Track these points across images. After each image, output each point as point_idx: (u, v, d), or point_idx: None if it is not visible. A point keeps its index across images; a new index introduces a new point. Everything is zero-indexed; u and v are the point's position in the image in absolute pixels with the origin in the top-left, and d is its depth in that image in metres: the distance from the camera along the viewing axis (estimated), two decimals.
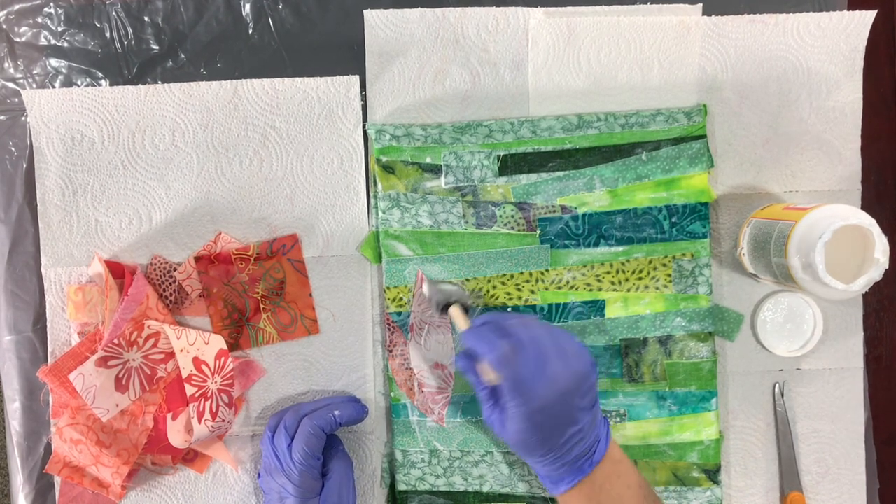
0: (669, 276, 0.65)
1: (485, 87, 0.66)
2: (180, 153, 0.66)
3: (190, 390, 0.62)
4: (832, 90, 0.66)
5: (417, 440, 0.66)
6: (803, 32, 0.66)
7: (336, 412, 0.61)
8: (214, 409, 0.63)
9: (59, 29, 0.66)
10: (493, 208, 0.66)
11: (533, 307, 0.65)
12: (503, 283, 0.66)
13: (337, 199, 0.67)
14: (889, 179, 0.68)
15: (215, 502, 0.67)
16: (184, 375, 0.62)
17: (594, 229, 0.65)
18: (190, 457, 0.67)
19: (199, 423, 0.62)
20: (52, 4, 0.66)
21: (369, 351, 0.67)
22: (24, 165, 0.67)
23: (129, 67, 0.67)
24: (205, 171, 0.66)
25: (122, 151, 0.66)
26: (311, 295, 0.67)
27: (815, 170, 0.66)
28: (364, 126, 0.67)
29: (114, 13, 0.66)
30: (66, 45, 0.67)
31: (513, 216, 0.65)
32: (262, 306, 0.66)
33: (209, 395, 0.63)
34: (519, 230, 0.66)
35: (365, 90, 0.67)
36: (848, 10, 0.66)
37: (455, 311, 0.59)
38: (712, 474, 0.66)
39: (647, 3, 0.66)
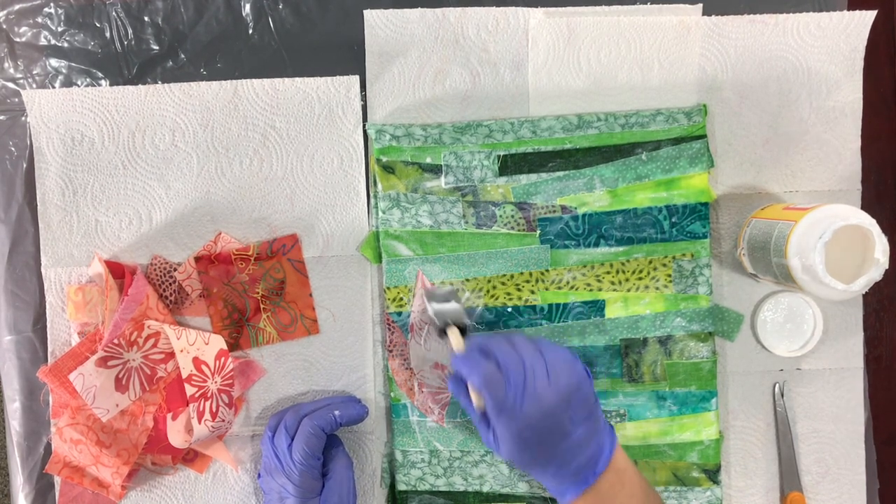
0: (669, 276, 0.65)
1: (485, 87, 0.66)
2: (180, 153, 0.66)
3: (190, 390, 0.62)
4: (832, 90, 0.66)
5: (417, 440, 0.66)
6: (803, 32, 0.66)
7: (336, 412, 0.61)
8: (214, 409, 0.63)
9: (59, 29, 0.66)
10: (493, 208, 0.66)
11: (533, 307, 0.65)
12: (503, 283, 0.66)
13: (337, 199, 0.67)
14: (889, 179, 0.68)
15: (215, 502, 0.67)
16: (184, 375, 0.62)
17: (594, 229, 0.65)
18: (190, 457, 0.67)
19: (199, 423, 0.62)
20: (52, 4, 0.66)
21: (369, 351, 0.67)
22: (24, 165, 0.67)
23: (129, 67, 0.67)
24: (205, 171, 0.66)
25: (122, 151, 0.66)
26: (311, 295, 0.67)
27: (815, 170, 0.66)
28: (364, 126, 0.67)
29: (114, 13, 0.66)
30: (66, 45, 0.67)
31: (513, 216, 0.65)
32: (262, 306, 0.66)
33: (209, 395, 0.63)
34: (519, 230, 0.66)
35: (365, 90, 0.67)
36: (848, 10, 0.66)
37: (452, 333, 0.59)
38: (712, 474, 0.66)
39: (647, 3, 0.66)
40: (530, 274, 0.66)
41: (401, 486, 0.67)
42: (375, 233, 0.66)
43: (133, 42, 0.67)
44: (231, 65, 0.67)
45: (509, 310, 0.66)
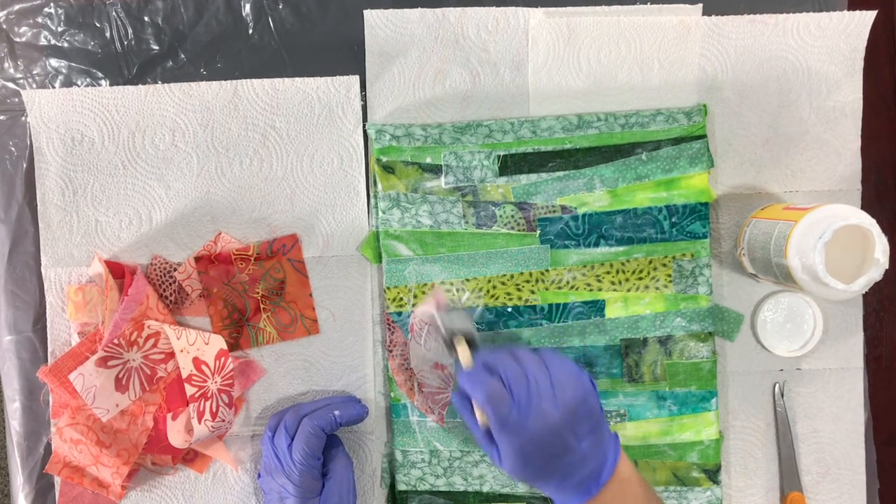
0: (669, 276, 0.65)
1: (485, 87, 0.66)
2: (180, 153, 0.66)
3: (190, 390, 0.62)
4: (832, 90, 0.66)
5: (417, 440, 0.66)
6: (803, 32, 0.66)
7: (336, 412, 0.61)
8: (214, 409, 0.63)
9: (59, 29, 0.66)
10: (493, 208, 0.66)
11: (533, 307, 0.65)
12: (503, 283, 0.66)
13: (337, 199, 0.67)
14: (889, 179, 0.68)
15: (215, 502, 0.67)
16: (184, 375, 0.62)
17: (594, 229, 0.65)
18: (190, 457, 0.67)
19: (199, 423, 0.62)
20: (52, 4, 0.66)
21: (369, 351, 0.67)
22: (24, 165, 0.67)
23: (129, 67, 0.67)
24: (205, 171, 0.66)
25: (122, 151, 0.66)
26: (311, 295, 0.67)
27: (815, 170, 0.66)
28: (364, 126, 0.67)
29: (114, 13, 0.66)
30: (66, 45, 0.67)
31: (513, 216, 0.65)
32: (262, 306, 0.66)
33: (209, 395, 0.63)
34: (519, 230, 0.66)
35: (365, 90, 0.67)
36: (848, 10, 0.66)
37: (461, 347, 0.58)
38: (712, 474, 0.66)
39: (647, 3, 0.66)
40: (530, 274, 0.66)
41: (401, 486, 0.67)
42: (375, 233, 0.66)
43: (133, 42, 0.67)
44: (231, 65, 0.67)
45: (509, 310, 0.66)
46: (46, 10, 0.66)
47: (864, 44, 0.66)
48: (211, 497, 0.67)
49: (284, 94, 0.66)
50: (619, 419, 0.66)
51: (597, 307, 0.65)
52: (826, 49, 0.66)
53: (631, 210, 0.65)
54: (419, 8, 0.66)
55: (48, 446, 0.67)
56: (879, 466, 0.68)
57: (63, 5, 0.66)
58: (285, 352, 0.67)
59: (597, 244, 0.65)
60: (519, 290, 0.66)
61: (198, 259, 0.66)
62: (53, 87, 0.66)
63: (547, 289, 0.66)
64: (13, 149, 0.67)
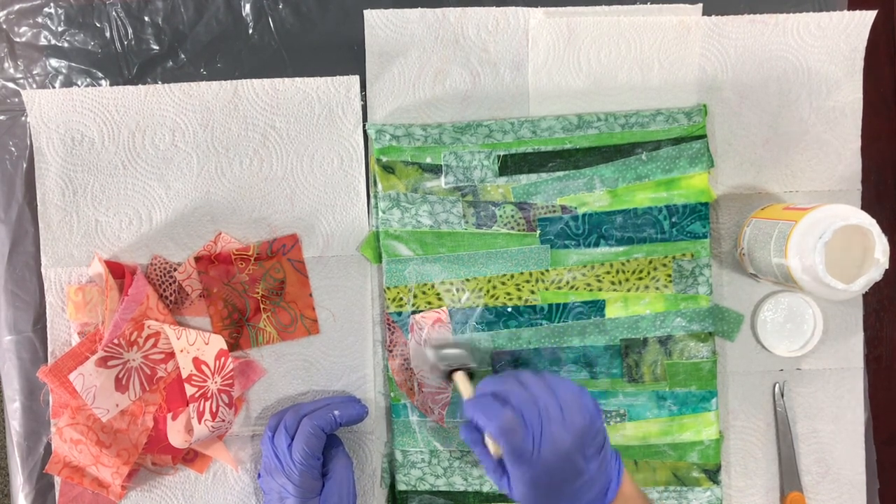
0: (669, 276, 0.65)
1: (485, 87, 0.66)
2: (180, 153, 0.66)
3: (190, 390, 0.62)
4: (832, 90, 0.66)
5: (417, 440, 0.66)
6: (803, 32, 0.66)
7: (336, 412, 0.61)
8: (214, 409, 0.63)
9: (59, 29, 0.66)
10: (493, 208, 0.66)
11: (533, 307, 0.65)
12: (503, 283, 0.66)
13: (337, 199, 0.67)
14: (889, 179, 0.68)
15: (215, 502, 0.67)
16: (184, 375, 0.62)
17: (594, 229, 0.65)
18: (190, 457, 0.67)
19: (199, 423, 0.62)
20: (52, 4, 0.66)
21: (369, 351, 0.67)
22: (24, 165, 0.67)
23: (129, 67, 0.67)
24: (205, 171, 0.66)
25: (122, 151, 0.66)
26: (311, 295, 0.67)
27: (815, 170, 0.66)
28: (364, 126, 0.67)
29: (114, 13, 0.66)
30: (66, 45, 0.67)
31: (513, 216, 0.65)
32: (262, 306, 0.66)
33: (209, 395, 0.63)
34: (519, 230, 0.66)
35: (365, 90, 0.67)
36: (848, 10, 0.66)
37: (459, 378, 0.58)
38: (712, 474, 0.66)
39: (647, 3, 0.66)
40: (530, 274, 0.66)
41: (401, 486, 0.67)
42: (375, 233, 0.66)
43: (133, 42, 0.67)
44: (231, 65, 0.67)
45: (509, 310, 0.66)
46: (46, 10, 0.66)
47: (864, 44, 0.66)
48: (211, 497, 0.67)
49: (284, 94, 0.66)
50: (619, 419, 0.66)
51: (597, 307, 0.65)
52: (826, 49, 0.66)
53: (631, 210, 0.65)
54: (419, 8, 0.66)
55: (48, 446, 0.67)
56: (879, 466, 0.68)
57: (63, 5, 0.66)
58: (285, 352, 0.67)
59: (597, 244, 0.65)
60: (519, 290, 0.66)
61: (198, 259, 0.66)
62: (53, 87, 0.66)
63: (547, 289, 0.66)
64: (13, 149, 0.67)
